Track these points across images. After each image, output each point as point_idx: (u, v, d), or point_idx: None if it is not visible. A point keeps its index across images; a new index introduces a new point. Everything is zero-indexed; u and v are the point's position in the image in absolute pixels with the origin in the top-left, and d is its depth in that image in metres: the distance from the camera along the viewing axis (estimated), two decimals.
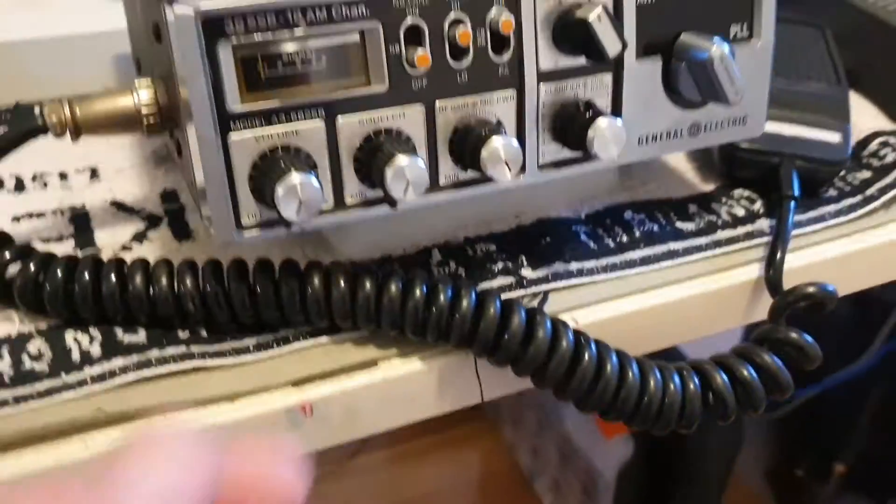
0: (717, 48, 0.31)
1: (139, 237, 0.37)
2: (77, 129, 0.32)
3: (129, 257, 0.34)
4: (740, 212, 0.39)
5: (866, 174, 0.42)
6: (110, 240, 0.36)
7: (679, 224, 0.39)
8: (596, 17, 0.30)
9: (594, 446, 1.15)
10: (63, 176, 0.41)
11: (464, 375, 0.32)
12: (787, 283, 0.36)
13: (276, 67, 0.27)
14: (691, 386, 0.31)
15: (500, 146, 0.29)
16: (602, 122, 0.31)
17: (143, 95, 0.32)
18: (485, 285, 0.34)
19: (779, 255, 0.36)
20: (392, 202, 0.29)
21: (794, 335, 0.33)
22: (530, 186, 0.33)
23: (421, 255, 0.36)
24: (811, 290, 0.34)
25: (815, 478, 1.22)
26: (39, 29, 0.58)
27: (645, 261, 0.37)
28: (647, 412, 0.31)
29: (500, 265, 0.35)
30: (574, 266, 0.36)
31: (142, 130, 0.33)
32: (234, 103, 0.27)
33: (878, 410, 1.09)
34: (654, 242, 0.37)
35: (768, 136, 0.40)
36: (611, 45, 0.30)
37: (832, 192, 0.41)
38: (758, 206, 0.40)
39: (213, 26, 0.26)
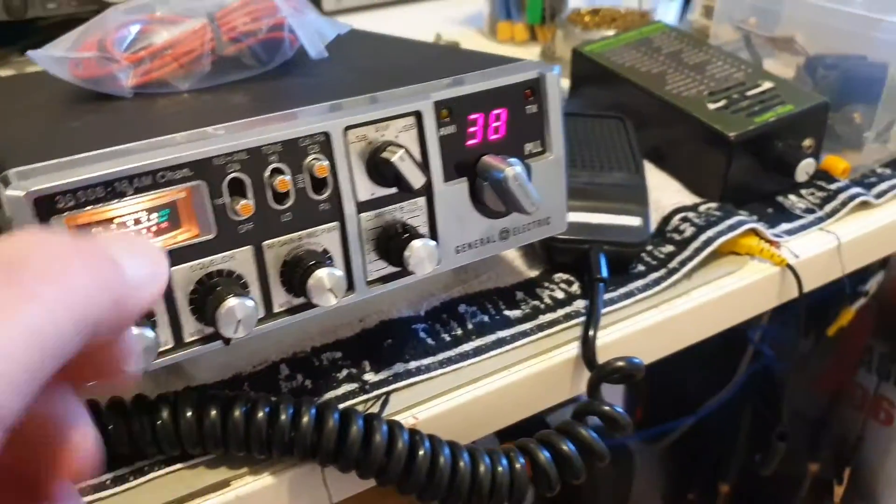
0: (510, 169, 0.36)
1: None
2: None
3: None
4: (560, 295, 0.44)
5: (670, 248, 0.47)
6: None
7: (507, 312, 0.43)
8: (398, 157, 0.34)
9: None
10: None
11: (313, 484, 0.35)
12: (605, 357, 0.41)
13: (109, 230, 0.30)
14: (517, 466, 0.35)
15: (323, 276, 0.33)
16: (416, 244, 0.35)
17: None
18: (329, 395, 0.38)
19: (591, 333, 0.41)
20: (225, 340, 0.32)
21: (607, 408, 0.38)
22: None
23: (270, 371, 0.39)
24: (620, 364, 0.39)
25: (704, 500, 1.29)
26: None
27: (477, 351, 0.41)
28: (479, 495, 0.35)
29: (344, 372, 0.39)
30: (413, 365, 0.39)
31: None
32: None
33: (750, 430, 1.17)
34: (484, 333, 0.42)
35: (578, 226, 0.45)
36: (415, 179, 0.34)
37: (641, 268, 0.46)
38: (574, 288, 0.45)
39: (45, 204, 0.28)
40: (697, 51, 0.59)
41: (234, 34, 0.40)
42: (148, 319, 0.31)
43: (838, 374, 1.03)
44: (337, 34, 0.43)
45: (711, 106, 0.52)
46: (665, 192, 0.52)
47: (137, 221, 0.31)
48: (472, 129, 0.37)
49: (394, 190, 0.36)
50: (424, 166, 0.36)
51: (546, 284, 0.45)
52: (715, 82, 0.55)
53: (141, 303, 0.20)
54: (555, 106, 0.39)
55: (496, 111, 0.38)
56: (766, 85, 0.54)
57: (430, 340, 0.41)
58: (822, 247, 0.50)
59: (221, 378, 0.38)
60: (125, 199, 0.30)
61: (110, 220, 0.30)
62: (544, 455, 0.36)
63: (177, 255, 0.31)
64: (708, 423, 1.16)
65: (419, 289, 0.44)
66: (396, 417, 0.37)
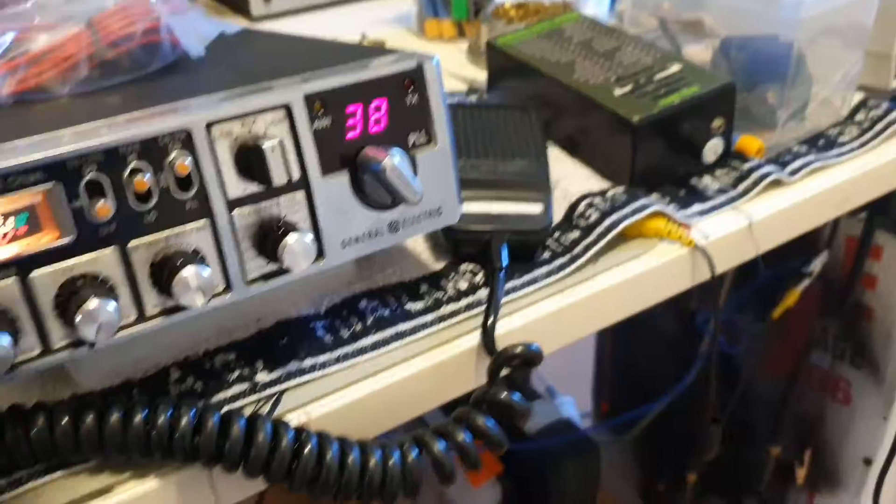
0: (388, 160, 0.36)
1: None
2: None
3: None
4: (464, 285, 0.44)
5: (575, 234, 0.47)
6: None
7: (409, 305, 0.43)
8: (269, 147, 0.33)
9: (466, 495, 1.18)
10: None
11: (199, 486, 0.35)
12: (507, 345, 0.41)
13: None
14: (410, 458, 0.35)
15: (188, 276, 0.32)
16: (289, 239, 0.34)
17: None
18: (220, 396, 0.37)
19: (490, 321, 0.41)
20: (90, 344, 0.32)
21: (502, 396, 0.37)
22: (272, 289, 0.36)
23: (160, 376, 0.38)
24: (519, 350, 0.38)
25: (674, 490, 1.30)
26: None
27: (375, 345, 0.40)
28: (371, 488, 0.34)
29: (236, 373, 0.38)
30: (308, 362, 0.39)
31: None
32: None
33: (710, 418, 1.17)
34: (384, 327, 0.41)
35: (479, 216, 0.45)
36: (279, 175, 0.33)
37: (546, 255, 0.46)
38: (479, 278, 0.44)
39: None
40: (609, 38, 0.59)
41: (111, 38, 0.40)
42: (11, 326, 0.30)
43: (791, 355, 1.03)
44: (221, 32, 0.43)
45: (618, 91, 0.52)
46: (574, 181, 0.51)
47: None
48: (351, 122, 0.37)
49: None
50: (299, 160, 0.36)
51: (451, 276, 0.45)
52: (623, 68, 0.55)
53: None
54: (436, 96, 0.39)
55: (375, 102, 0.37)
56: (674, 68, 0.54)
57: (327, 337, 0.40)
58: (733, 226, 0.50)
59: (110, 384, 0.37)
60: None
61: None
62: (439, 446, 0.35)
63: (38, 260, 0.31)
64: (672, 412, 1.16)
65: (322, 285, 0.43)
66: (289, 416, 0.37)
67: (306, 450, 0.34)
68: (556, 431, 1.14)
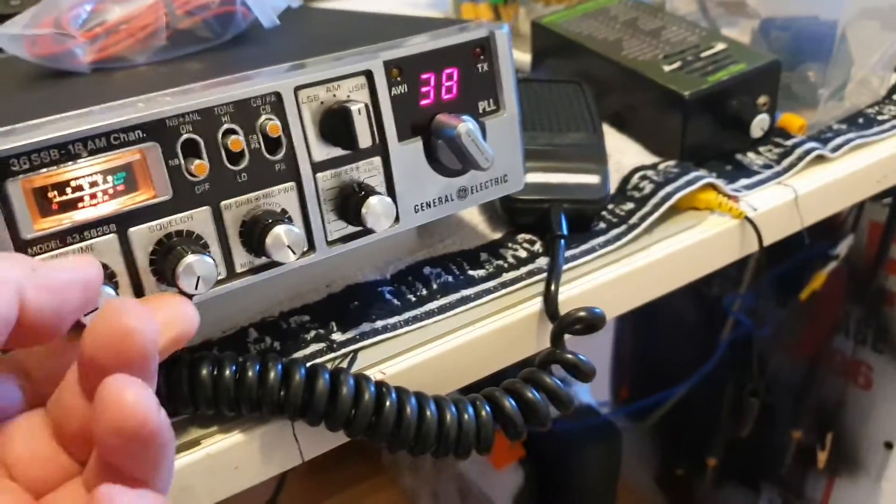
0: (462, 125, 0.37)
1: None
2: None
3: None
4: (523, 254, 0.45)
5: (630, 205, 0.48)
6: None
7: (471, 272, 0.44)
8: (356, 110, 0.35)
9: (488, 479, 1.19)
10: None
11: (283, 439, 0.36)
12: (570, 309, 0.42)
13: (66, 193, 0.31)
14: (483, 414, 0.36)
15: (281, 233, 0.33)
16: (373, 200, 0.35)
17: None
18: (298, 354, 0.38)
19: (552, 288, 0.42)
20: (188, 296, 0.33)
21: (569, 356, 0.38)
22: (338, 257, 0.38)
23: (239, 336, 0.39)
24: (582, 314, 0.40)
25: (693, 475, 1.31)
26: None
27: (442, 309, 0.41)
28: (447, 442, 0.35)
29: (312, 333, 0.39)
30: (379, 324, 0.40)
31: None
32: (28, 231, 0.30)
33: (733, 401, 1.18)
34: (449, 292, 0.42)
35: (538, 186, 0.46)
36: (364, 138, 0.35)
37: (602, 225, 0.47)
38: (537, 247, 0.45)
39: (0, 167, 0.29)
40: (653, 18, 0.60)
41: (187, 8, 0.41)
42: (110, 280, 0.32)
43: (814, 338, 1.04)
44: (288, 5, 0.44)
45: (667, 68, 0.53)
46: (625, 154, 0.53)
47: (94, 184, 0.31)
48: (424, 89, 0.38)
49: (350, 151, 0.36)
50: (379, 126, 0.37)
51: (510, 245, 0.46)
52: (670, 46, 0.56)
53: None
54: (506, 64, 0.40)
55: (448, 70, 0.38)
56: (720, 46, 0.55)
57: (395, 301, 0.42)
58: (779, 199, 0.51)
59: (191, 344, 0.39)
60: (80, 161, 0.31)
61: (66, 183, 0.31)
62: (510, 402, 0.37)
63: (136, 217, 0.32)
64: (693, 398, 1.18)
65: (385, 253, 0.45)
66: (367, 372, 0.38)
67: (387, 404, 0.35)
68: (578, 416, 1.16)
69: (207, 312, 0.38)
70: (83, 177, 0.31)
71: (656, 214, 0.47)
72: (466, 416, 0.36)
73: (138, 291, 0.33)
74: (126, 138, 0.31)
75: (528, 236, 0.46)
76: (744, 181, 0.52)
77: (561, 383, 0.38)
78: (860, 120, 0.59)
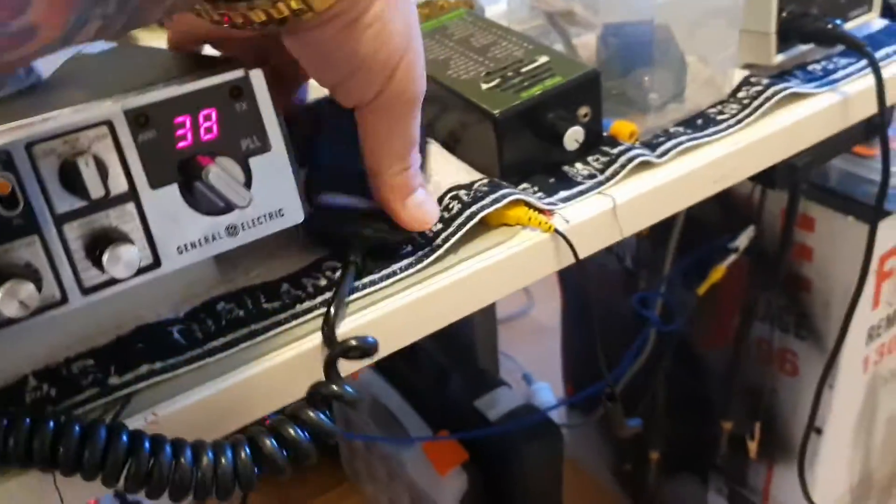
0: (210, 167, 0.37)
1: None
2: None
3: None
4: (323, 282, 0.46)
5: (438, 226, 0.49)
6: None
7: (266, 305, 0.44)
8: (83, 162, 0.35)
9: (434, 485, 1.20)
10: None
11: (44, 490, 0.37)
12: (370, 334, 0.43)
13: None
14: (243, 456, 0.37)
15: (14, 288, 0.34)
16: (112, 251, 0.36)
17: None
18: (71, 400, 0.39)
19: (331, 311, 0.42)
20: None
21: (333, 388, 0.39)
22: (125, 298, 0.38)
23: (18, 385, 0.40)
24: (353, 342, 0.40)
25: (639, 469, 1.32)
26: None
27: (227, 346, 0.42)
28: (204, 487, 0.36)
29: (90, 378, 0.40)
30: (158, 365, 0.41)
31: None
32: None
33: (667, 395, 1.19)
34: (238, 327, 0.43)
35: (339, 213, 0.46)
36: (95, 189, 0.35)
37: (408, 248, 0.48)
38: (339, 273, 0.46)
39: None
40: (487, 33, 0.60)
41: None
42: None
43: (728, 329, 1.05)
44: (76, 52, 0.44)
45: (484, 86, 0.54)
46: (446, 175, 0.53)
47: None
48: (180, 132, 0.39)
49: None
50: (128, 173, 0.37)
51: (313, 274, 0.46)
52: (494, 62, 0.56)
53: None
54: (266, 104, 0.40)
55: (204, 112, 0.39)
56: (541, 60, 0.56)
57: (182, 340, 0.42)
58: (596, 210, 0.51)
59: None
60: None
61: None
62: (270, 442, 0.37)
63: None
64: (630, 393, 1.18)
65: (183, 290, 0.45)
66: (137, 416, 0.39)
67: (140, 452, 0.35)
68: (518, 415, 1.16)
69: None
70: None
71: (460, 234, 0.48)
72: (224, 460, 0.36)
73: None
74: None
75: (333, 263, 0.47)
76: (563, 193, 0.52)
77: (325, 416, 0.38)
78: (699, 121, 0.60)
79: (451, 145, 0.57)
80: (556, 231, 0.49)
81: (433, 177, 0.53)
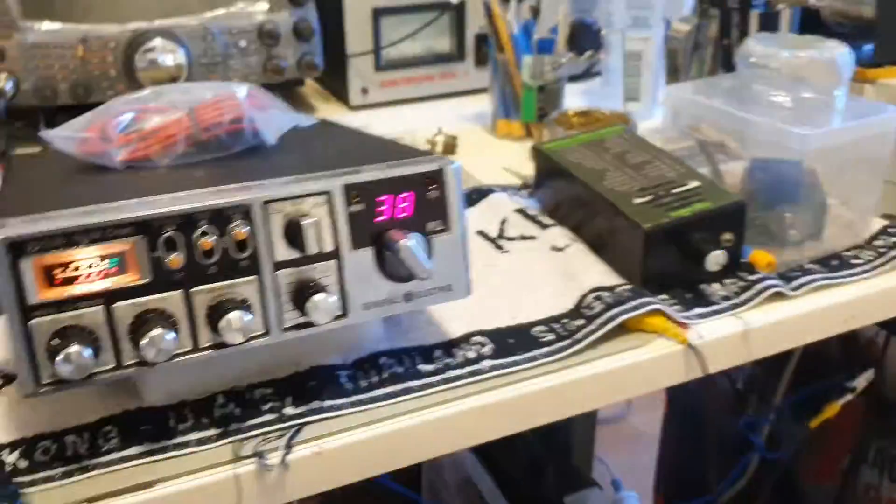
0: (403, 242, 0.44)
1: None
2: None
3: None
4: (472, 354, 0.51)
5: (580, 322, 0.54)
6: None
7: (420, 366, 0.50)
8: (307, 225, 0.42)
9: None
10: None
11: (228, 490, 0.43)
12: (502, 411, 0.48)
13: (67, 270, 0.39)
14: None
15: (232, 318, 0.41)
16: (316, 297, 0.43)
17: None
18: (252, 421, 0.45)
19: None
20: (148, 364, 0.40)
21: None
22: (304, 341, 0.45)
23: (209, 400, 0.47)
24: None
25: None
26: None
27: (386, 396, 0.48)
28: None
29: (269, 405, 0.46)
30: (328, 403, 0.47)
31: None
32: (34, 298, 0.39)
33: None
34: (396, 382, 0.49)
35: None
36: (312, 246, 0.42)
37: (550, 337, 0.53)
38: (487, 349, 0.51)
39: (17, 248, 0.38)
40: (642, 152, 0.66)
41: (205, 124, 0.50)
42: (94, 345, 0.39)
43: (834, 467, 1.03)
44: (295, 125, 0.52)
45: (637, 200, 0.59)
46: (590, 275, 0.58)
47: (91, 265, 0.40)
48: (381, 208, 0.45)
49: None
50: (336, 235, 0.44)
51: (462, 345, 0.52)
52: (647, 180, 0.61)
53: None
54: (453, 193, 0.47)
55: (403, 194, 0.46)
56: (693, 184, 0.60)
57: (348, 385, 0.48)
58: (729, 330, 0.55)
59: (168, 402, 0.46)
60: (80, 247, 0.39)
61: (68, 263, 0.39)
62: None
63: (121, 295, 0.40)
64: None
65: (352, 342, 0.51)
66: (305, 447, 0.44)
67: None
68: None
69: (187, 378, 0.46)
70: (82, 259, 0.39)
71: (601, 332, 0.52)
72: None
73: (117, 354, 0.41)
74: (120, 232, 0.40)
75: (481, 339, 0.52)
76: (698, 310, 0.56)
77: None
78: (834, 262, 0.63)
79: (597, 247, 0.62)
80: (690, 345, 0.53)
81: (577, 275, 0.58)
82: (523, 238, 0.65)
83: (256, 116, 0.51)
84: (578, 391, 0.51)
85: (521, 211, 0.68)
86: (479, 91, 1.01)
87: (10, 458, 0.42)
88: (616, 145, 0.67)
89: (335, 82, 1.01)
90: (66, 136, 0.49)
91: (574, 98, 0.94)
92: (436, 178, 0.46)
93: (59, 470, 0.42)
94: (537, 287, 0.59)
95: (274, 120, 0.52)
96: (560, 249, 0.62)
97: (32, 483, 0.41)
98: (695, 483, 1.31)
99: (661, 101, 0.88)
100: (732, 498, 1.12)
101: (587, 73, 1.02)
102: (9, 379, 0.49)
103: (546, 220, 0.66)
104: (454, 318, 0.55)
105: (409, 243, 0.44)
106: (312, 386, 0.48)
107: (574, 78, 0.97)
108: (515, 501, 1.23)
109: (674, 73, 0.87)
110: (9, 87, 0.79)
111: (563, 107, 0.89)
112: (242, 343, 0.42)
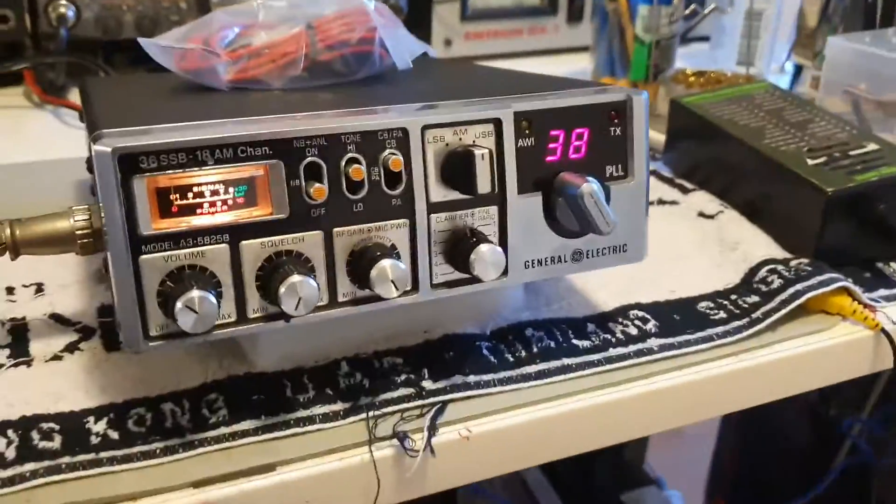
0: (587, 185, 0.36)
1: (71, 347, 0.40)
2: (16, 249, 0.36)
3: (58, 367, 0.37)
4: (633, 331, 0.43)
5: (755, 298, 0.45)
6: (43, 349, 0.39)
7: (575, 341, 0.42)
8: (480, 155, 0.34)
9: None
10: (10, 290, 0.44)
11: (363, 478, 0.35)
12: (674, 399, 0.39)
13: (187, 197, 0.31)
14: None
15: (387, 267, 0.33)
16: (483, 248, 0.35)
17: (78, 219, 0.36)
18: (386, 396, 0.37)
19: None
20: (286, 317, 0.32)
21: None
22: (438, 304, 0.37)
23: (330, 367, 0.39)
24: None
25: None
26: (15, 155, 0.62)
27: (540, 375, 0.39)
28: None
29: (402, 377, 0.38)
30: (472, 379, 0.39)
31: (76, 251, 0.36)
32: (147, 228, 0.30)
33: None
34: (549, 358, 0.40)
35: None
36: (482, 184, 0.34)
37: (721, 315, 0.44)
38: (650, 325, 0.43)
39: (128, 162, 0.30)
40: (800, 110, 0.57)
41: (328, 42, 0.42)
42: (215, 289, 0.31)
43: None
44: (424, 51, 0.44)
45: (810, 161, 0.50)
46: (755, 245, 0.50)
47: (215, 193, 0.32)
48: (552, 145, 0.37)
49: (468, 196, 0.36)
50: (501, 175, 0.36)
51: (620, 319, 0.44)
52: (816, 140, 0.53)
53: None
54: (640, 131, 0.38)
55: (578, 130, 0.37)
56: (871, 146, 0.52)
57: (492, 358, 0.40)
58: None
59: (282, 368, 0.38)
60: (205, 168, 0.31)
61: (189, 188, 0.31)
62: None
63: (249, 231, 0.32)
64: None
65: (488, 308, 0.43)
66: (450, 429, 0.37)
67: None
68: None
69: (303, 340, 0.38)
70: (206, 184, 0.31)
71: (783, 311, 0.44)
72: None
73: (241, 306, 0.33)
74: (253, 152, 0.32)
75: (641, 313, 0.44)
76: (884, 291, 0.48)
77: None
78: None
79: (748, 213, 0.53)
80: (883, 330, 0.45)
81: (740, 244, 0.50)
82: (661, 203, 0.57)
83: (387, 36, 0.42)
84: (759, 379, 0.43)
85: (653, 173, 0.60)
86: (570, 50, 0.92)
87: (98, 426, 0.34)
88: (768, 102, 0.59)
89: (416, 32, 0.93)
90: (164, 46, 0.41)
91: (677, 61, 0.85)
92: (620, 111, 0.38)
93: (158, 445, 0.34)
94: (690, 257, 0.50)
95: (404, 42, 0.44)
96: (710, 216, 0.54)
97: (127, 459, 0.33)
98: (763, 489, 1.23)
99: (776, 68, 0.79)
100: None
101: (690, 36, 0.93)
102: (87, 333, 0.41)
103: (686, 183, 0.58)
104: (598, 287, 0.47)
105: (594, 188, 0.36)
106: (451, 357, 0.40)
107: (683, 38, 0.88)
108: (565, 494, 1.16)
109: (805, 35, 0.78)
110: (70, 14, 0.71)
111: (674, 66, 0.80)
112: (395, 298, 0.34)
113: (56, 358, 0.39)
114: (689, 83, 0.74)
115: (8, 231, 0.36)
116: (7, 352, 0.39)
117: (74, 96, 0.71)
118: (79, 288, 0.45)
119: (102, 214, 0.30)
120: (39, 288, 0.45)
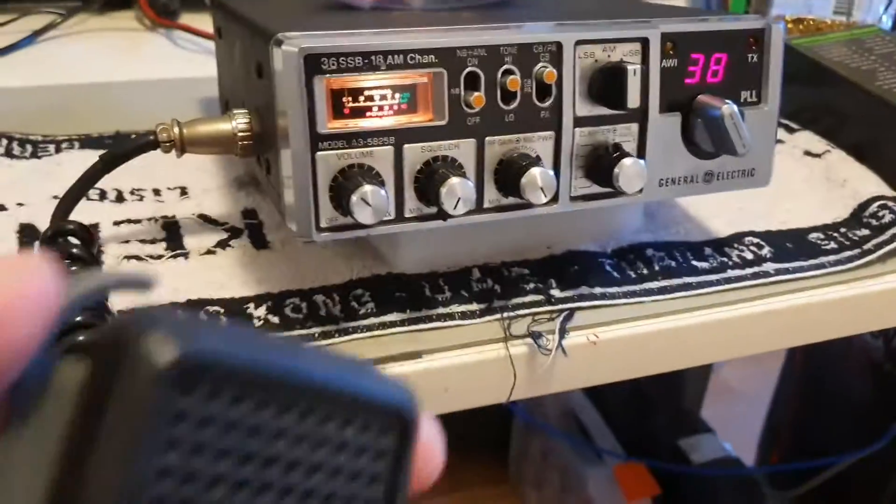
0: (727, 107, 0.37)
1: (222, 244, 0.42)
2: (183, 146, 0.39)
3: (213, 260, 0.40)
4: (749, 255, 0.44)
5: (865, 232, 0.47)
6: (197, 244, 0.42)
7: (694, 262, 0.44)
8: (632, 71, 0.36)
9: None
10: (157, 192, 0.47)
11: (499, 371, 0.37)
12: (786, 321, 0.41)
13: (359, 99, 0.33)
14: None
15: (537, 174, 0.35)
16: (627, 161, 0.36)
17: (240, 122, 0.38)
18: (517, 300, 0.39)
19: None
20: (444, 216, 0.35)
21: None
22: (562, 222, 0.39)
23: (463, 273, 0.41)
24: None
25: None
26: (136, 73, 0.65)
27: (662, 290, 0.41)
28: None
29: (531, 285, 0.41)
30: (598, 290, 0.41)
31: (236, 152, 0.39)
32: (323, 127, 0.33)
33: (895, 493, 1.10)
34: (671, 276, 0.42)
35: None
36: (633, 98, 0.35)
37: (832, 245, 0.46)
38: (765, 251, 0.45)
39: (312, 62, 0.32)
40: None
41: None
42: (381, 186, 0.34)
43: None
44: None
45: None
46: (864, 183, 0.51)
47: (383, 97, 0.34)
48: (692, 68, 0.39)
49: (611, 111, 0.37)
50: (644, 93, 0.38)
51: (735, 245, 0.45)
52: None
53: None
54: (776, 59, 0.40)
55: (718, 55, 0.39)
56: None
57: (615, 274, 0.42)
58: None
59: (419, 272, 0.41)
60: (377, 72, 0.33)
61: (360, 91, 0.33)
62: None
63: (411, 135, 0.34)
64: (849, 478, 1.10)
65: (608, 228, 0.45)
66: (578, 334, 0.39)
67: None
68: (723, 465, 1.12)
69: (436, 247, 0.41)
70: (375, 88, 0.33)
71: (895, 245, 0.45)
72: None
73: (399, 203, 0.35)
74: (420, 60, 0.34)
75: (755, 240, 0.46)
76: None
77: None
78: None
79: (856, 155, 0.54)
80: None
81: (849, 181, 0.51)
82: None
83: None
84: (868, 307, 0.44)
85: None
86: None
87: (259, 311, 0.37)
88: (879, 45, 0.59)
89: None
90: None
91: None
92: (759, 38, 0.39)
93: (316, 329, 0.37)
94: (799, 192, 0.52)
95: None
96: (817, 155, 0.55)
97: None
98: (819, 444, 1.24)
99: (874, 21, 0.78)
100: (862, 466, 1.05)
101: None
102: (235, 232, 0.44)
103: (791, 123, 0.59)
104: (710, 216, 0.48)
105: (734, 109, 0.37)
106: (575, 270, 0.42)
107: None
108: (622, 436, 1.18)
109: None
110: None
111: (772, 11, 0.80)
112: (539, 206, 0.36)
113: (210, 252, 0.42)
114: (788, 29, 0.73)
115: (176, 130, 0.39)
116: (164, 244, 0.42)
117: (186, 20, 0.74)
118: (220, 193, 0.48)
119: (281, 110, 0.33)
120: (184, 191, 0.48)
